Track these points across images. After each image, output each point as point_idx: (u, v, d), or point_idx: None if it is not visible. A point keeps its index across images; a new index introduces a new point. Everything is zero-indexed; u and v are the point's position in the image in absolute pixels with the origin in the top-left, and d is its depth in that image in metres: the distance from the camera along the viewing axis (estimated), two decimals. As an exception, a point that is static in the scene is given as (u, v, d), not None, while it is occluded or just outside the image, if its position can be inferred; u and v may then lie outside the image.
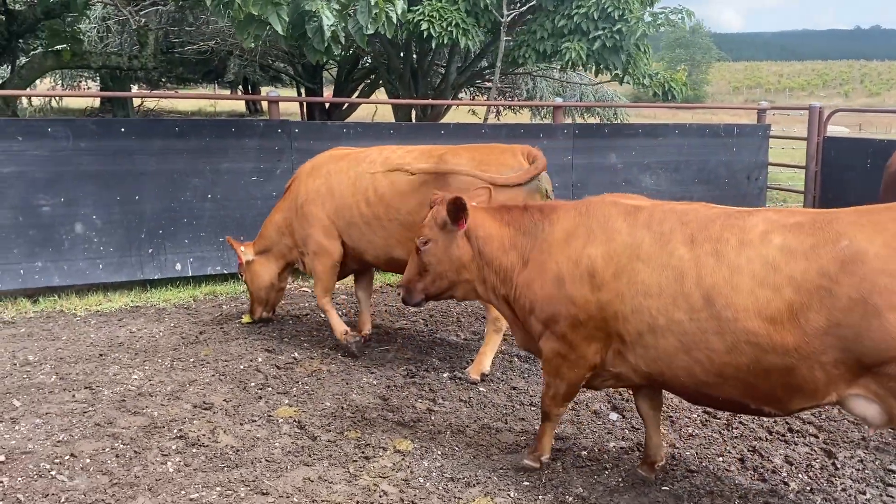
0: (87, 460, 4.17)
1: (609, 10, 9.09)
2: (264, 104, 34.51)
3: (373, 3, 6.81)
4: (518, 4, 9.35)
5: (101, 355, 5.79)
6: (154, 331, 6.40)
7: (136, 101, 27.57)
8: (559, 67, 12.75)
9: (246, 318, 6.70)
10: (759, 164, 10.42)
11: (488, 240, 4.02)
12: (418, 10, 9.26)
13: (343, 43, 7.29)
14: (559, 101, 8.68)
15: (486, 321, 6.75)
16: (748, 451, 4.47)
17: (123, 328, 6.46)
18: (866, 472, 4.23)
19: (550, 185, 5.47)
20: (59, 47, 11.89)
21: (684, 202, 3.71)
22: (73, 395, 5.03)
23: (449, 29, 9.10)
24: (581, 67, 10.52)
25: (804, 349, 3.07)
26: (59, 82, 24.78)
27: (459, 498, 3.86)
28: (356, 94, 23.31)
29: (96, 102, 29.15)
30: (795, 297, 3.07)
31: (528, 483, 4.02)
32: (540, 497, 3.88)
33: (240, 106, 35.69)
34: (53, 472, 4.02)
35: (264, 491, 3.89)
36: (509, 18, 9.28)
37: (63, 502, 3.75)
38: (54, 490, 3.85)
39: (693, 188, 10.01)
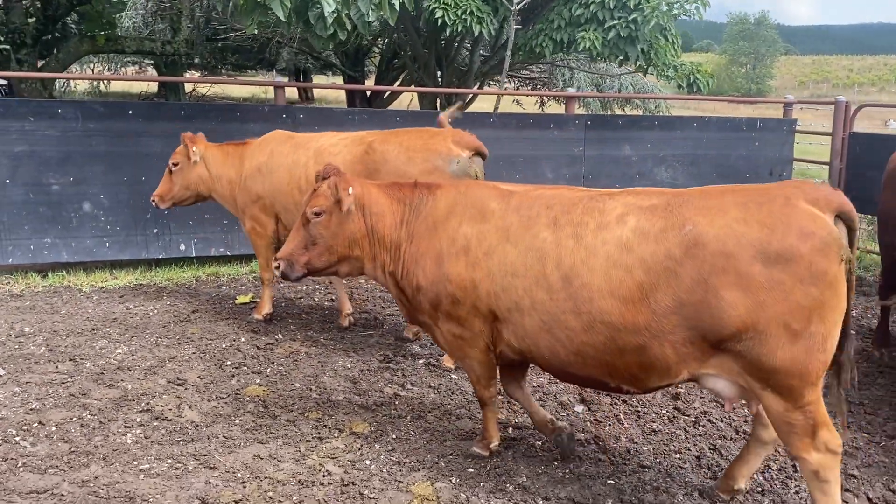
0: (53, 428, 4.33)
1: (625, -2, 8.93)
2: (315, 92, 34.64)
3: (373, -10, 6.82)
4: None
5: (92, 329, 5.98)
6: (149, 308, 6.57)
7: (189, 87, 28.22)
8: (593, 58, 12.54)
9: (240, 299, 6.84)
10: (783, 160, 10.12)
11: (381, 216, 4.03)
12: (434, -3, 9.26)
13: (349, 30, 7.31)
14: (572, 90, 8.56)
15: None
16: (709, 448, 4.39)
17: (121, 305, 6.66)
18: (827, 475, 4.11)
19: (482, 168, 5.46)
20: (93, 33, 12.25)
21: (554, 186, 3.78)
22: (57, 367, 5.22)
23: (463, 17, 9.06)
24: (599, 57, 10.33)
25: (654, 328, 3.18)
26: (111, 67, 25.47)
27: (400, 481, 3.89)
28: (398, 82, 23.41)
29: (153, 88, 29.98)
30: (645, 278, 3.17)
31: (472, 470, 4.02)
32: (481, 484, 3.88)
33: (292, 94, 36.07)
34: (18, 438, 4.19)
35: (212, 465, 3.98)
36: (520, 6, 9.20)
37: (19, 466, 3.90)
38: (14, 455, 4.01)
39: (712, 182, 9.71)
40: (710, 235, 3.08)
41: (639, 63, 10.46)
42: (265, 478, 3.88)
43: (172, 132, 7.47)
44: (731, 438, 4.52)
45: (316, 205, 4.02)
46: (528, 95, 13.02)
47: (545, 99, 23.37)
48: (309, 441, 4.28)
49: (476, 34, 9.15)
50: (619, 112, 21.72)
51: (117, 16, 14.47)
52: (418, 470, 4.01)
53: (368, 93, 22.77)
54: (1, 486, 3.71)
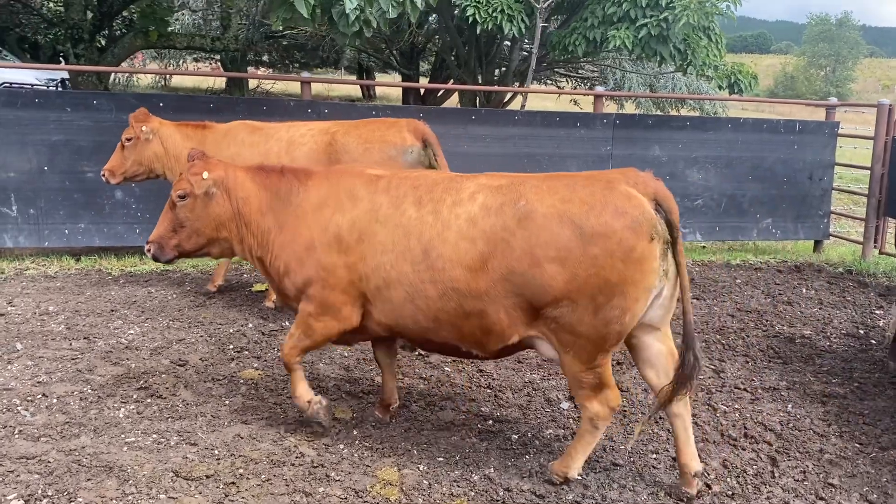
0: (55, 400, 4.58)
1: (657, -4, 8.80)
2: (378, 90, 35.17)
3: (393, -12, 6.93)
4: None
5: (111, 311, 6.27)
6: (169, 293, 6.84)
7: (252, 83, 28.97)
8: (636, 56, 12.32)
9: (257, 287, 7.05)
10: (824, 164, 9.80)
11: (247, 201, 4.14)
12: (467, -5, 9.32)
13: (374, 27, 7.44)
14: (601, 89, 8.46)
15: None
16: (688, 450, 4.33)
17: (144, 289, 6.95)
18: (805, 483, 4.03)
19: (434, 156, 5.74)
20: (147, 29, 12.74)
21: (418, 170, 4.12)
22: (71, 344, 5.50)
23: (494, 14, 9.09)
24: (631, 55, 10.19)
25: (492, 293, 3.55)
26: (172, 63, 26.37)
27: (368, 466, 3.98)
28: (452, 80, 23.56)
29: (221, 84, 30.88)
30: (485, 248, 3.54)
31: (442, 459, 4.09)
32: (448, 473, 3.95)
33: (355, 91, 36.51)
34: (20, 408, 4.45)
35: (194, 442, 4.15)
36: (546, 5, 9.17)
37: (16, 434, 4.14)
38: (13, 423, 4.26)
39: (747, 185, 9.56)
40: (539, 212, 3.47)
41: (678, 62, 10.29)
42: (240, 456, 4.02)
43: (202, 124, 7.77)
44: (715, 442, 4.45)
45: (179, 188, 4.15)
46: (555, 93, 12.93)
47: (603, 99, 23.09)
48: (290, 424, 4.41)
49: (506, 32, 9.18)
50: (673, 113, 21.32)
51: (174, 14, 15.02)
52: (389, 456, 4.10)
53: (422, 90, 22.97)
54: (-5, 451, 3.96)
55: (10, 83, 20.90)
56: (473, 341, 3.73)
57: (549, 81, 24.13)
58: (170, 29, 13.39)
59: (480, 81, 12.66)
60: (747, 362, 5.82)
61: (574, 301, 3.41)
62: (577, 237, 3.39)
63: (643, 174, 3.56)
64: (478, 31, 9.82)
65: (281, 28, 7.37)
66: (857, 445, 4.48)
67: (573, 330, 3.47)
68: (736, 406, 4.98)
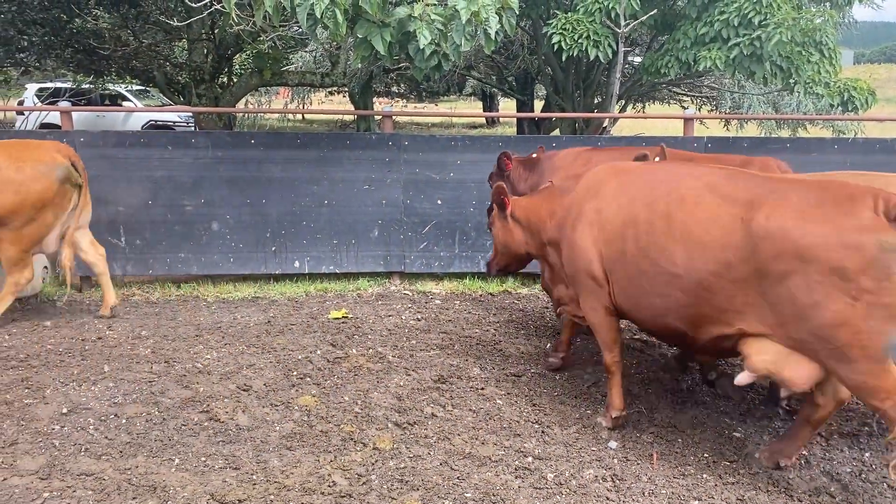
0: (124, 421, 4.93)
1: (750, 15, 8.37)
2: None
3: (464, 21, 7.04)
4: (640, 14, 8.92)
5: (196, 336, 6.68)
6: (253, 319, 7.20)
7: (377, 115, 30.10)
8: (734, 76, 11.74)
9: (333, 314, 7.29)
10: (950, 185, 8.92)
11: None
12: (552, 23, 9.28)
13: (452, 59, 7.58)
14: (691, 112, 8.13)
15: (530, 336, 6.74)
16: (736, 499, 4.08)
17: (231, 315, 7.35)
18: (863, 542, 3.68)
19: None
20: (262, 68, 13.58)
21: None
22: (151, 367, 5.90)
23: (579, 41, 8.99)
24: (724, 75, 9.73)
25: None
26: (295, 100, 27.83)
27: (394, 499, 4.01)
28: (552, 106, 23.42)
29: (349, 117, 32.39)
30: None
31: (469, 495, 4.06)
32: (472, 510, 3.91)
33: (479, 120, 36.99)
34: (91, 428, 4.83)
35: (237, 466, 4.35)
36: (628, 29, 8.94)
37: (82, 452, 4.50)
38: (83, 441, 4.63)
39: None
40: None
41: (782, 80, 9.74)
42: (275, 482, 4.17)
43: (290, 158, 8.19)
44: (767, 490, 4.15)
45: None
46: (642, 118, 12.39)
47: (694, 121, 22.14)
48: (330, 452, 4.53)
49: (592, 58, 9.05)
50: (803, 134, 20.09)
51: (293, 55, 15.91)
52: (417, 489, 4.11)
53: (536, 118, 22.94)
54: (61, 466, 4.32)
55: (156, 121, 22.87)
56: None
57: (671, 101, 23.47)
58: (283, 68, 14.21)
59: (580, 107, 12.53)
60: (830, 404, 5.37)
61: (19, 214, 6.08)
62: (20, 177, 6.05)
63: (63, 145, 6.22)
64: (563, 58, 9.75)
65: (359, 65, 7.64)
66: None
67: (16, 237, 6.14)
68: (803, 452, 4.61)
